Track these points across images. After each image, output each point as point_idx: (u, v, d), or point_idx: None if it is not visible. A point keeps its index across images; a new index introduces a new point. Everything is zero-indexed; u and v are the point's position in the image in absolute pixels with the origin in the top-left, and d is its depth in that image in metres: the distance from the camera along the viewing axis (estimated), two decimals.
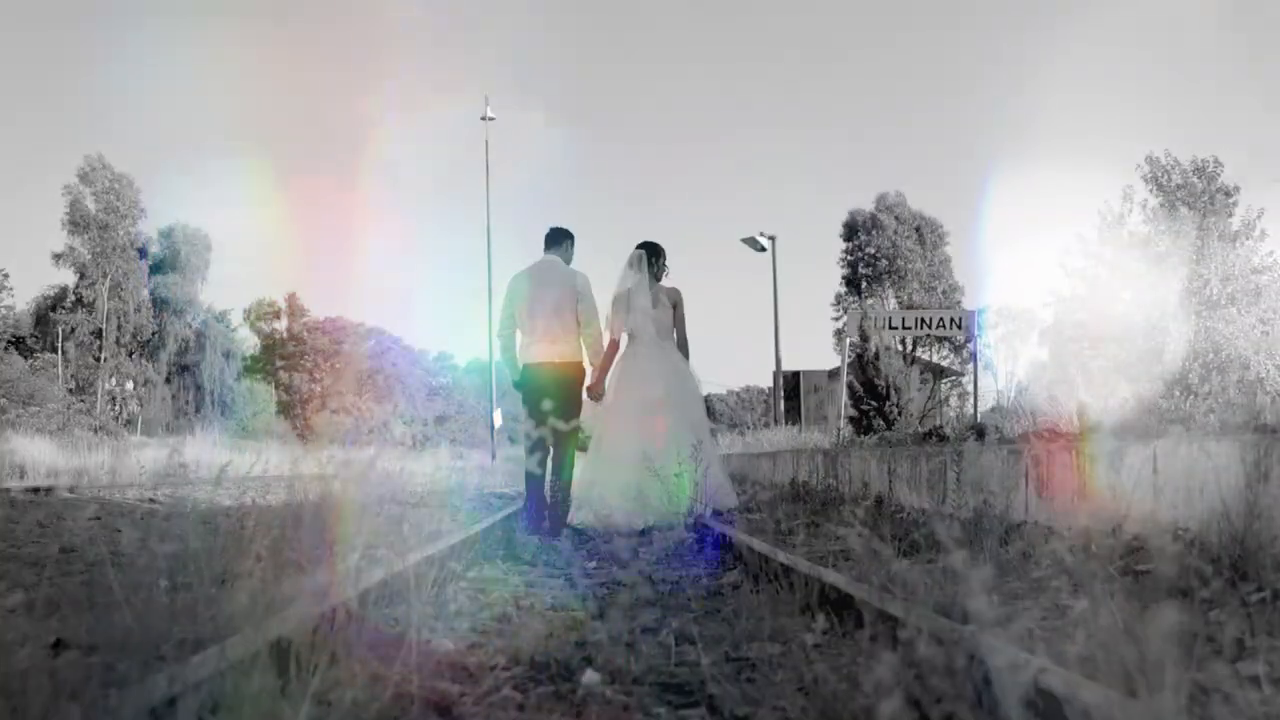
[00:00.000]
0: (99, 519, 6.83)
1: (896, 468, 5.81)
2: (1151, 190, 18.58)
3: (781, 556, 2.93)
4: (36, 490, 10.13)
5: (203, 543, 3.49)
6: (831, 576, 2.51)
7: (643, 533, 5.76)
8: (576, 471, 6.75)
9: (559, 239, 6.73)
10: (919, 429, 14.89)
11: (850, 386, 18.49)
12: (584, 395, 6.83)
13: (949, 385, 42.42)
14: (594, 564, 4.45)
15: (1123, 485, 3.27)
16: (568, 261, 6.70)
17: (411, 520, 5.40)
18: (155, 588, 3.19)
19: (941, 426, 15.02)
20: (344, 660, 1.77)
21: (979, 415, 23.20)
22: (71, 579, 3.67)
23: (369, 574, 2.55)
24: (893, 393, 17.13)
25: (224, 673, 1.54)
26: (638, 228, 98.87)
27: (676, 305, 7.03)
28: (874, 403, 17.07)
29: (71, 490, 10.65)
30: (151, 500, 9.29)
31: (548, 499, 6.20)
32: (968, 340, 35.72)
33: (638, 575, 3.59)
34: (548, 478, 6.25)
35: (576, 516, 6.44)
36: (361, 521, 4.14)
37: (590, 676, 1.80)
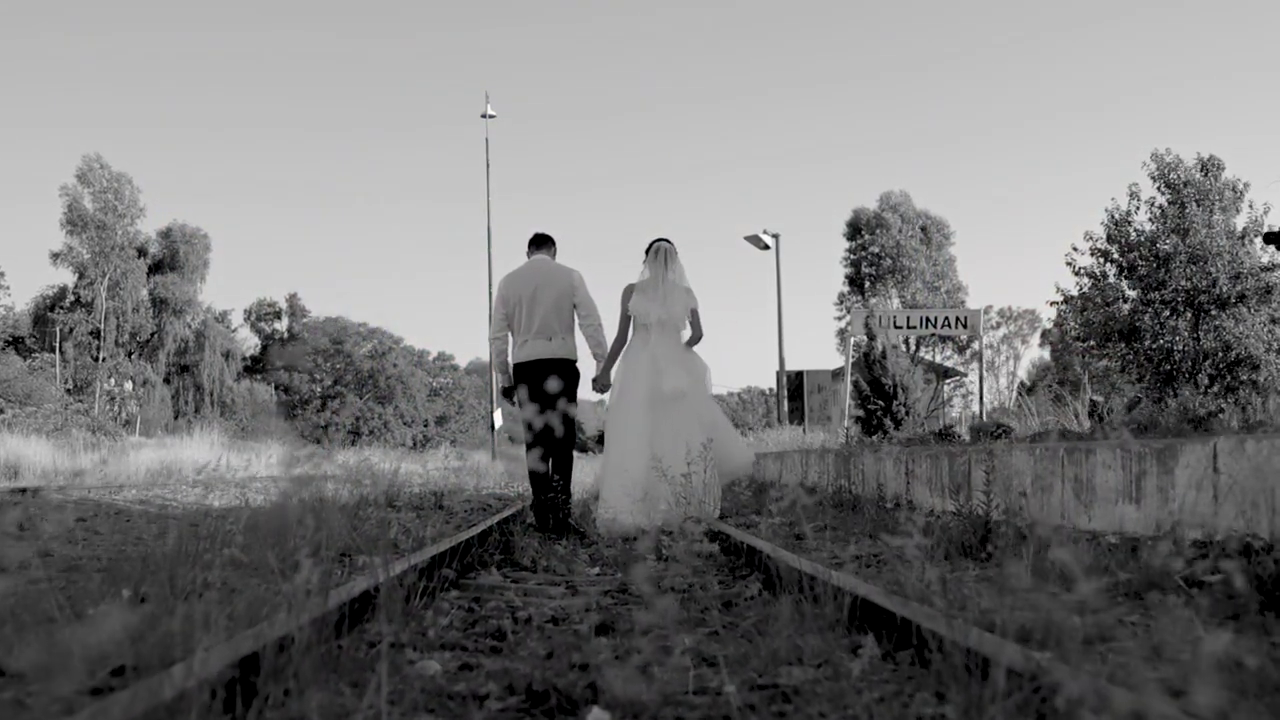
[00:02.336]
0: (83, 520, 6.57)
1: (915, 468, 5.53)
2: (1159, 188, 18.31)
3: (805, 564, 2.66)
4: (23, 490, 9.85)
5: (176, 546, 3.24)
6: (865, 589, 2.24)
7: (649, 535, 5.51)
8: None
9: (543, 243, 6.71)
10: (926, 429, 14.60)
11: (856, 385, 18.22)
12: (582, 391, 6.66)
13: (952, 385, 42.09)
14: (597, 570, 4.20)
15: (1175, 487, 2.99)
16: None
17: (402, 523, 5.15)
18: (118, 598, 2.93)
19: (951, 426, 14.76)
20: (305, 691, 1.50)
21: (984, 415, 22.92)
22: (36, 586, 3.42)
23: (346, 585, 2.28)
24: (900, 392, 16.82)
25: (154, 711, 1.27)
26: (640, 226, 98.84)
27: (690, 302, 6.80)
28: (881, 402, 16.77)
29: (60, 491, 10.37)
30: (142, 502, 9.03)
31: (548, 499, 6.01)
32: (973, 339, 35.42)
33: (645, 582, 3.33)
34: (549, 478, 6.08)
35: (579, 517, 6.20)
36: (347, 525, 3.88)
37: (597, 715, 1.53)
